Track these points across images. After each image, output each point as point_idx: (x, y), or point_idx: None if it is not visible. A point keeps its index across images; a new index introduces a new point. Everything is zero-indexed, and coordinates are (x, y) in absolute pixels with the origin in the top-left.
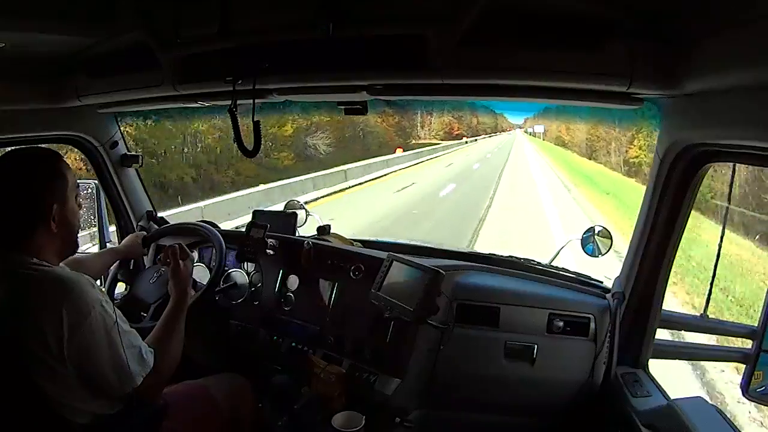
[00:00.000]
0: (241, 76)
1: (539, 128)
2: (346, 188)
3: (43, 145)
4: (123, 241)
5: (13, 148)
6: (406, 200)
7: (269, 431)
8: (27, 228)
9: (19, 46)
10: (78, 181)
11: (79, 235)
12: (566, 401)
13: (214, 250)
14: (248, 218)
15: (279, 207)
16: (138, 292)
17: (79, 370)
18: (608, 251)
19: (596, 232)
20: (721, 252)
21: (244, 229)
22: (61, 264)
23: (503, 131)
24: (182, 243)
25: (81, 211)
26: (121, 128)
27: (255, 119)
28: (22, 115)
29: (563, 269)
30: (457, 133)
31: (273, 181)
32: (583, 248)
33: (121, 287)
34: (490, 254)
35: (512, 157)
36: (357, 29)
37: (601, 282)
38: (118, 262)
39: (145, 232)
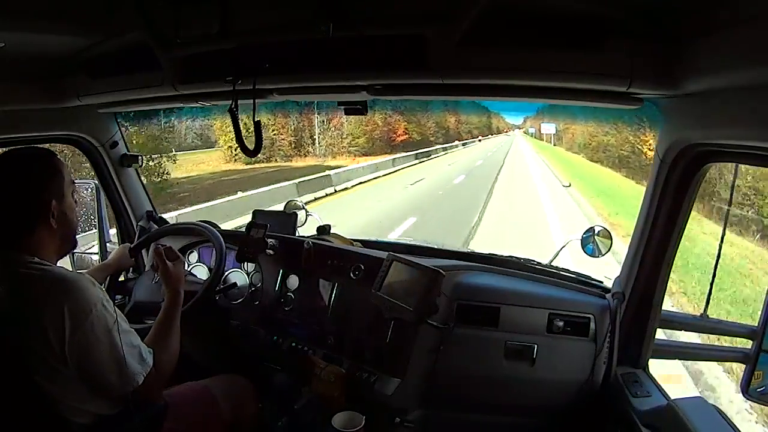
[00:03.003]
0: (241, 76)
1: (548, 128)
2: None
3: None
4: (111, 255)
5: (11, 148)
6: None
7: (269, 431)
8: (27, 227)
9: (19, 46)
10: (78, 181)
11: (77, 231)
12: (566, 401)
13: (214, 250)
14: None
15: None
16: (141, 294)
17: (80, 369)
18: (608, 251)
19: (596, 232)
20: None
21: (244, 229)
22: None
23: (499, 133)
24: (171, 245)
25: (80, 210)
26: (121, 128)
27: (255, 119)
28: (22, 115)
29: (563, 269)
30: (402, 139)
31: None
32: (583, 248)
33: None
34: (490, 254)
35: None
36: (357, 29)
37: (601, 282)
38: (109, 276)
39: (129, 244)
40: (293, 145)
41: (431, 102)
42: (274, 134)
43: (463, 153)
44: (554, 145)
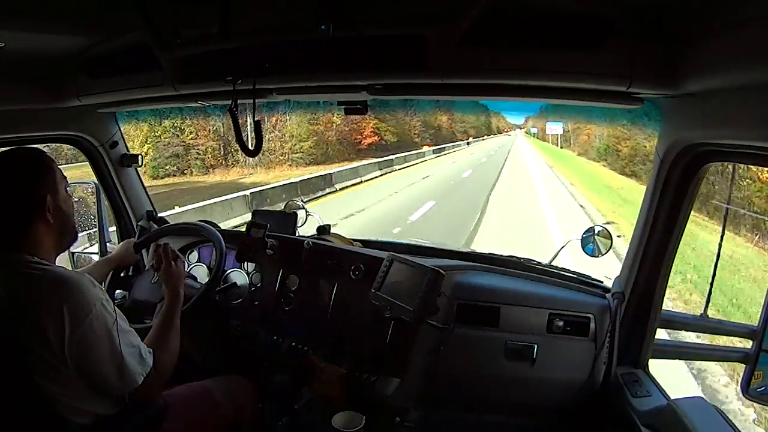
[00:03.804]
0: (241, 76)
1: (554, 128)
2: None
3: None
4: (115, 250)
5: (7, 149)
6: None
7: (269, 431)
8: (24, 225)
9: (19, 46)
10: (78, 181)
11: (75, 224)
12: (566, 401)
13: (214, 250)
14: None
15: None
16: (140, 294)
17: (80, 369)
18: (608, 251)
19: (596, 232)
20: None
21: (243, 229)
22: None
23: (499, 133)
24: (170, 245)
25: (80, 210)
26: (121, 128)
27: (255, 119)
28: (22, 115)
29: (563, 269)
30: (370, 142)
31: None
32: (583, 248)
33: (119, 294)
34: (490, 254)
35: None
36: (357, 29)
37: (601, 282)
38: (112, 271)
39: (135, 240)
40: (216, 153)
41: (424, 101)
42: (191, 139)
43: (417, 172)
44: (560, 147)
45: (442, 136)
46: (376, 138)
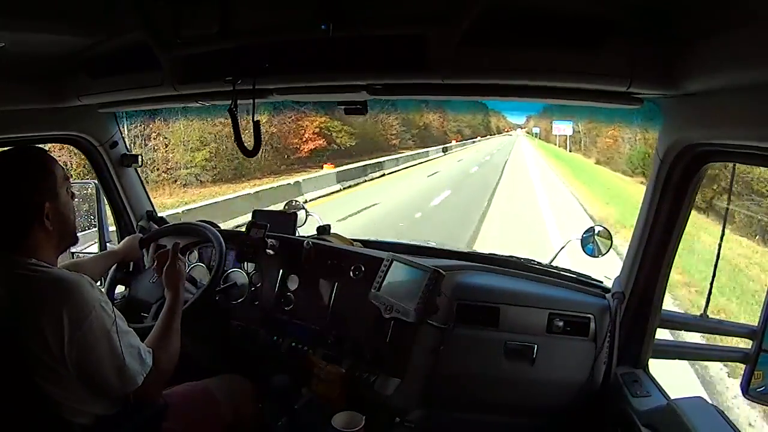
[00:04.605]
0: (241, 76)
1: (563, 128)
2: None
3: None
4: (120, 244)
5: (6, 149)
6: None
7: (269, 431)
8: (22, 229)
9: (19, 46)
10: (78, 181)
11: (76, 227)
12: (566, 401)
13: (214, 250)
14: None
15: None
16: (138, 292)
17: (80, 371)
18: (608, 251)
19: (596, 232)
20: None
21: (244, 229)
22: (59, 264)
23: (498, 133)
24: (178, 243)
25: (81, 210)
26: (121, 128)
27: (255, 119)
28: (22, 115)
29: (563, 269)
30: (312, 147)
31: None
32: (583, 248)
33: (119, 289)
34: (490, 254)
35: None
36: (357, 29)
37: (601, 282)
38: (116, 264)
39: (141, 235)
40: (81, 170)
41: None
42: (48, 150)
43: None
44: (569, 150)
45: (432, 138)
46: (321, 141)
